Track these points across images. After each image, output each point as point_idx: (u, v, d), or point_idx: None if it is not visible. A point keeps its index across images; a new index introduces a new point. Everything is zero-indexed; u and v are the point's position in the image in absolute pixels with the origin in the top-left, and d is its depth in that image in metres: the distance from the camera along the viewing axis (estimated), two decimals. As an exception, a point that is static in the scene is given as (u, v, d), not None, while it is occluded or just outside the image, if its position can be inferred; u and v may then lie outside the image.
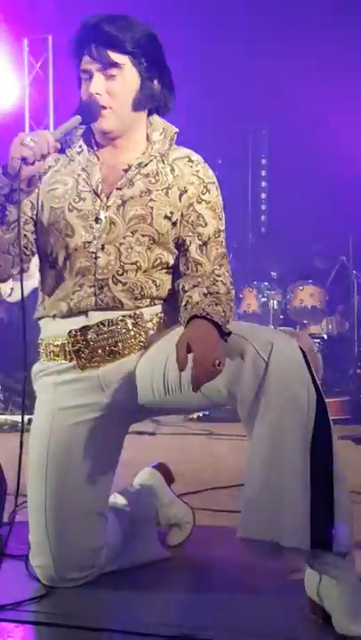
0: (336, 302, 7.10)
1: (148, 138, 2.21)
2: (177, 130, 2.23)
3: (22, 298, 1.94)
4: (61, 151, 2.19)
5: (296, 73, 7.40)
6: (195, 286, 2.10)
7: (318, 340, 6.62)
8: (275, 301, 7.11)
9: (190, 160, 2.20)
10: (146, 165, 2.17)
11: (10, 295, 5.59)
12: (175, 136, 2.22)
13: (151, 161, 2.18)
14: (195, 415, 5.64)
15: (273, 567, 2.15)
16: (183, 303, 2.08)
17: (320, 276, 7.22)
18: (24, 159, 1.94)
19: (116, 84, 2.10)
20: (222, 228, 2.20)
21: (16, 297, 5.71)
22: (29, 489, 2.16)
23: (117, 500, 2.36)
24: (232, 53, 7.44)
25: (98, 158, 2.19)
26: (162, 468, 2.52)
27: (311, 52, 7.18)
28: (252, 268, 7.63)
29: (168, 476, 2.52)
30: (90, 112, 2.10)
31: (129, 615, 1.93)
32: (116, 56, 2.08)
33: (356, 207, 7.20)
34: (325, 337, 6.87)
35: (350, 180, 7.53)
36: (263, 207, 8.98)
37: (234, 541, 2.49)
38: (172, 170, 2.18)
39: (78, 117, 2.08)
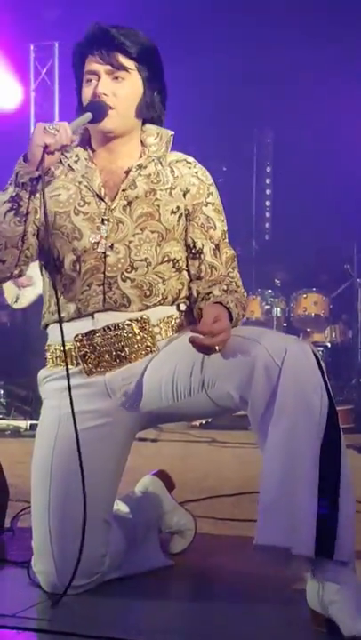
0: (340, 310, 7.09)
1: (142, 143, 2.25)
2: (172, 132, 2.27)
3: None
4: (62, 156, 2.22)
5: (301, 80, 7.40)
6: (211, 286, 2.16)
7: (322, 349, 6.61)
8: (278, 309, 7.11)
9: (188, 162, 2.25)
10: (145, 167, 2.21)
11: (16, 302, 5.61)
12: (171, 139, 2.26)
13: (150, 163, 2.22)
14: (197, 422, 5.63)
15: (276, 576, 2.14)
16: (201, 298, 2.14)
17: (324, 284, 7.21)
18: (46, 146, 1.98)
19: (123, 87, 2.16)
20: (226, 228, 2.26)
21: (22, 304, 5.73)
22: (33, 494, 2.15)
23: (120, 507, 2.35)
24: (237, 60, 7.44)
25: (95, 164, 2.22)
26: (162, 475, 2.51)
27: (317, 59, 7.19)
28: (255, 276, 7.62)
29: (169, 483, 2.51)
30: (99, 110, 2.14)
31: (131, 623, 1.92)
32: (124, 60, 2.14)
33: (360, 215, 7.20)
34: (329, 345, 6.86)
35: (355, 187, 7.52)
36: (267, 214, 8.98)
37: (236, 550, 2.50)
38: (172, 171, 2.22)
39: (89, 114, 2.11)
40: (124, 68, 2.14)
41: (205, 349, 1.91)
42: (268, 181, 8.99)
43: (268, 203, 8.97)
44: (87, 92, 2.17)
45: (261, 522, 1.86)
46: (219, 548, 2.59)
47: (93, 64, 2.15)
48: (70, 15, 6.80)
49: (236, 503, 3.20)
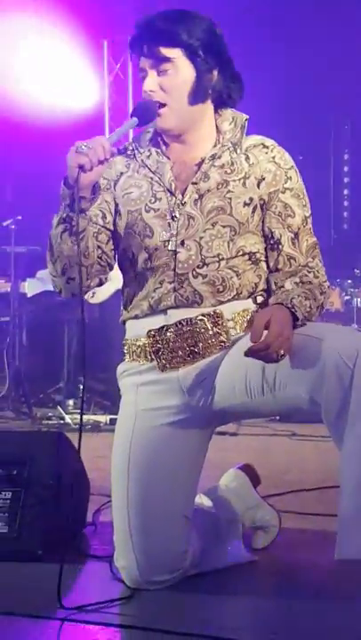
0: None
1: (218, 129, 2.17)
2: (247, 116, 2.18)
3: (83, 310, 1.93)
4: (131, 156, 2.20)
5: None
6: (287, 278, 2.10)
7: None
8: (358, 299, 6.99)
9: (265, 146, 2.15)
10: (220, 157, 2.14)
11: (92, 297, 5.65)
12: (246, 123, 2.18)
13: (224, 152, 2.14)
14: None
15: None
16: (274, 292, 2.10)
17: None
18: (81, 167, 1.94)
19: (169, 79, 2.07)
20: (308, 213, 2.17)
21: (98, 299, 5.76)
22: (113, 490, 2.15)
23: (203, 500, 2.33)
24: (315, 45, 7.33)
25: (168, 158, 2.16)
26: (248, 470, 2.48)
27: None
28: (334, 266, 7.50)
29: (254, 478, 2.47)
30: (146, 112, 2.08)
31: (214, 619, 1.90)
32: (166, 50, 2.05)
33: None
34: None
35: None
36: (346, 203, 8.84)
37: (320, 545, 2.45)
38: (247, 158, 2.14)
39: (135, 119, 2.06)
40: (167, 59, 2.05)
41: (266, 360, 1.86)
42: (345, 169, 8.83)
43: (346, 191, 8.82)
44: (142, 89, 2.10)
45: (340, 535, 1.82)
46: (302, 543, 2.54)
47: (141, 61, 2.08)
48: (143, 9, 6.80)
49: (319, 497, 3.14)
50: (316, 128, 8.39)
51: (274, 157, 2.14)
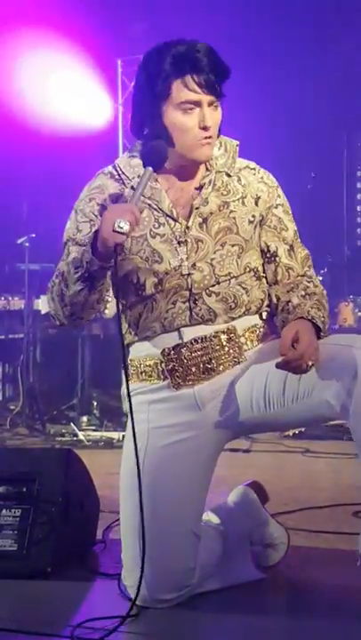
0: None
1: None
2: (237, 142, 2.23)
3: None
4: (120, 181, 2.17)
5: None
6: (290, 291, 2.16)
7: None
8: (372, 315, 6.97)
9: (251, 168, 2.22)
10: (215, 182, 2.17)
11: (105, 312, 5.67)
12: (237, 149, 2.22)
13: (218, 178, 2.17)
14: (290, 432, 5.54)
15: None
16: (280, 308, 2.16)
17: None
18: (118, 244, 1.94)
19: (218, 115, 2.10)
20: (296, 228, 2.24)
21: (111, 313, 5.78)
22: (122, 508, 2.15)
23: (211, 518, 2.32)
24: (328, 62, 7.37)
25: (158, 183, 2.14)
26: (256, 487, 2.47)
27: None
28: (348, 282, 7.50)
29: (262, 495, 2.47)
30: (158, 156, 2.06)
31: (222, 638, 1.89)
32: (219, 87, 2.06)
33: None
34: None
35: None
36: (359, 220, 8.84)
37: (331, 563, 2.44)
38: (239, 180, 2.19)
39: (150, 169, 2.02)
40: (223, 96, 2.08)
41: (298, 371, 1.92)
42: (358, 186, 8.84)
43: (359, 208, 8.83)
44: (187, 122, 2.05)
45: None
46: (312, 562, 2.53)
47: (194, 94, 2.03)
48: (157, 28, 6.85)
49: (331, 515, 3.13)
50: (329, 145, 8.40)
51: (262, 178, 2.22)
